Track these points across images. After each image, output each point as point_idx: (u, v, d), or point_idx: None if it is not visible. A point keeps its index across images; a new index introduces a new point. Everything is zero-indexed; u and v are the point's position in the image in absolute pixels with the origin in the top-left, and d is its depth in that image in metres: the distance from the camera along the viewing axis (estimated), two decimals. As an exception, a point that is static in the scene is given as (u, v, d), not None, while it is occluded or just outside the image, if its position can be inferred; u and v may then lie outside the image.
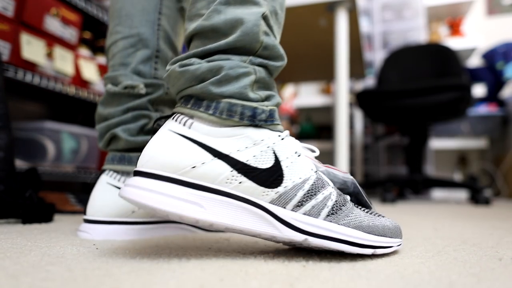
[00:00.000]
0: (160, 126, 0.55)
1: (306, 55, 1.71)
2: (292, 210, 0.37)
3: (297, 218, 0.36)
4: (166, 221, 0.55)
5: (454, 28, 2.42)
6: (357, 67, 1.84)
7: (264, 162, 0.37)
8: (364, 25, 2.34)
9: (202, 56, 0.39)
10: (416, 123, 1.69)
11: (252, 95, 0.38)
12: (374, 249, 0.37)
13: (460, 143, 2.24)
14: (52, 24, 1.16)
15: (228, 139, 0.37)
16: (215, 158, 0.36)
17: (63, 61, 1.18)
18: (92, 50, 1.41)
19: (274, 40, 0.41)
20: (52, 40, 1.16)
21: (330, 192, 0.38)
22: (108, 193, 0.51)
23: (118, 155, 0.54)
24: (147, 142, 0.54)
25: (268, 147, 0.37)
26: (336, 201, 0.38)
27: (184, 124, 0.37)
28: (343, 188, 0.42)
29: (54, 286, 0.26)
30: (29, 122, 1.20)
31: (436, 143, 2.27)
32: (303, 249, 0.43)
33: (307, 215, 0.37)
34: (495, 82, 2.23)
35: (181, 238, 0.51)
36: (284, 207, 0.37)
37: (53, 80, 1.15)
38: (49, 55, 1.14)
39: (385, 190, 1.50)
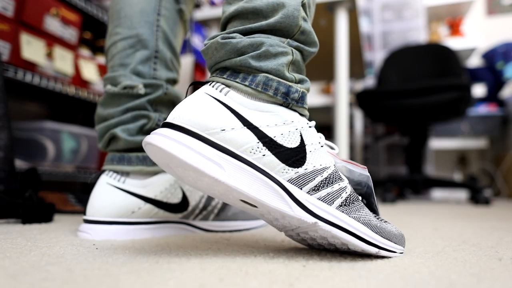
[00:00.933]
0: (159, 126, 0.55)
1: (306, 55, 1.71)
2: (308, 192, 0.37)
3: (311, 201, 0.37)
4: (166, 221, 0.55)
5: (454, 28, 2.42)
6: (357, 67, 1.84)
7: (290, 142, 0.38)
8: (364, 25, 2.34)
9: (244, 33, 0.40)
10: (416, 123, 1.69)
11: (287, 74, 0.40)
12: (379, 250, 0.37)
13: (460, 143, 2.24)
14: (52, 24, 1.16)
15: (260, 113, 0.38)
16: (245, 127, 0.37)
17: (63, 61, 1.19)
18: (92, 50, 1.41)
19: (310, 27, 0.43)
20: (52, 40, 1.16)
21: (346, 186, 0.39)
22: (108, 194, 0.51)
23: (117, 155, 0.54)
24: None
25: (296, 129, 0.39)
26: (350, 194, 0.39)
27: (220, 91, 0.38)
28: (356, 188, 0.42)
29: (54, 286, 0.26)
30: (29, 122, 1.20)
31: (436, 143, 2.27)
32: (303, 249, 0.43)
33: (321, 200, 0.37)
34: (495, 82, 2.23)
35: (181, 238, 0.51)
36: (301, 188, 0.37)
37: (53, 80, 1.15)
38: (49, 55, 1.14)
39: (385, 190, 1.50)
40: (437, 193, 2.24)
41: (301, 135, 0.39)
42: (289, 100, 0.39)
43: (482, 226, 0.69)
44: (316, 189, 0.37)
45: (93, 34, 1.50)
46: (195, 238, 0.51)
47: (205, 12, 1.38)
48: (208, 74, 1.38)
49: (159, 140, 0.35)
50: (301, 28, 0.41)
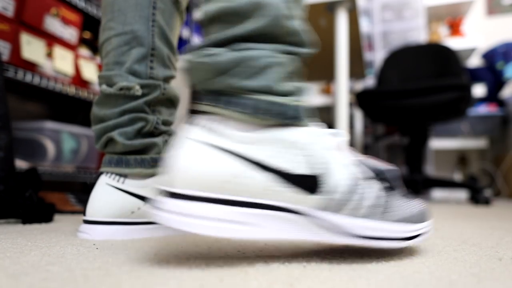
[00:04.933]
0: (158, 129, 0.56)
1: (306, 55, 1.71)
2: (347, 215, 0.34)
3: (353, 223, 0.34)
4: None
5: (454, 28, 2.42)
6: (357, 67, 1.84)
7: (303, 167, 0.34)
8: (364, 25, 2.34)
9: (224, 43, 0.35)
10: (416, 123, 1.69)
11: (279, 88, 0.35)
12: (413, 239, 0.37)
13: (460, 143, 2.24)
14: (52, 24, 1.16)
15: (258, 145, 0.33)
16: (249, 169, 0.32)
17: (63, 61, 1.19)
18: (92, 50, 1.41)
19: (300, 25, 0.37)
20: (52, 40, 1.16)
21: (377, 190, 0.36)
22: (107, 194, 0.51)
23: (115, 157, 0.54)
24: (144, 145, 0.54)
25: (301, 149, 0.34)
26: (379, 197, 0.36)
27: (210, 130, 0.33)
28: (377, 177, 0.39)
29: (54, 286, 0.26)
30: (29, 122, 1.20)
31: (436, 143, 2.27)
32: (303, 249, 0.43)
33: (363, 218, 0.35)
34: (495, 82, 2.23)
35: (181, 238, 0.51)
36: (338, 213, 0.34)
37: (53, 80, 1.15)
38: (49, 55, 1.14)
39: (385, 190, 1.50)
40: (437, 193, 2.24)
41: (311, 155, 0.34)
42: (287, 121, 0.34)
43: (482, 226, 0.69)
44: (353, 207, 0.34)
45: (93, 34, 1.50)
46: (195, 238, 0.51)
47: (205, 12, 1.38)
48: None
49: (172, 221, 0.31)
50: (288, 29, 0.35)
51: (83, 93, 1.27)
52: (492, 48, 2.25)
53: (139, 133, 0.54)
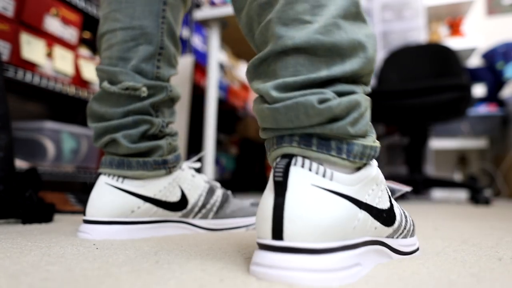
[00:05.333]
0: (162, 132, 0.54)
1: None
2: (396, 238, 0.39)
3: (399, 243, 0.39)
4: (165, 220, 0.55)
5: (454, 28, 2.42)
6: (357, 67, 1.83)
7: (384, 201, 0.35)
8: (364, 25, 2.34)
9: (323, 83, 0.31)
10: (416, 123, 1.69)
11: (371, 131, 0.34)
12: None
13: (460, 143, 2.24)
14: (52, 24, 1.16)
15: (360, 185, 0.32)
16: (361, 210, 0.31)
17: (63, 61, 1.19)
18: (92, 50, 1.41)
19: None
20: (52, 40, 1.16)
21: (401, 210, 0.40)
22: (107, 194, 0.50)
23: (116, 159, 0.52)
24: (149, 148, 0.52)
25: (384, 184, 0.35)
26: (403, 217, 0.40)
27: (324, 175, 0.30)
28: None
29: (54, 286, 0.26)
30: (29, 122, 1.20)
31: (436, 143, 2.27)
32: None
33: (403, 237, 0.39)
34: (495, 82, 2.23)
35: (181, 238, 0.51)
36: (393, 237, 0.38)
37: (53, 80, 1.15)
38: (49, 55, 1.14)
39: (385, 190, 1.50)
40: (437, 193, 2.24)
41: (386, 189, 0.36)
42: (370, 161, 0.34)
43: (482, 226, 0.69)
44: (398, 230, 0.38)
45: (93, 34, 1.50)
46: (195, 238, 0.51)
47: (205, 12, 1.38)
48: (210, 73, 1.38)
49: (302, 278, 0.27)
50: (372, 70, 0.34)
51: (83, 93, 1.27)
52: (492, 48, 2.25)
53: (144, 136, 0.53)
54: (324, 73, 0.31)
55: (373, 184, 0.33)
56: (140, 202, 0.51)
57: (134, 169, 0.52)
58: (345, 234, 0.29)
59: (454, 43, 2.28)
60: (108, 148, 0.53)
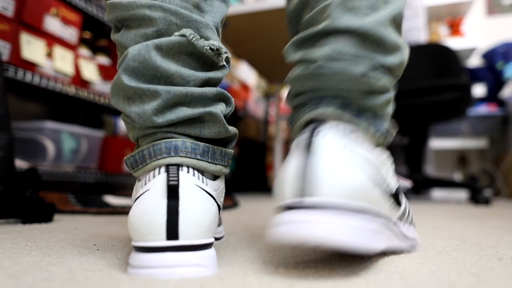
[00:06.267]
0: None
1: (306, 55, 1.71)
2: (404, 223, 0.40)
3: (406, 229, 0.40)
4: None
5: (454, 28, 2.42)
6: (357, 67, 1.83)
7: (393, 180, 0.37)
8: (364, 25, 2.34)
9: (375, 67, 0.36)
10: (416, 123, 1.69)
11: (389, 120, 0.39)
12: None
13: (460, 143, 2.24)
14: (52, 24, 1.16)
15: (381, 159, 0.35)
16: (380, 181, 0.33)
17: (63, 61, 1.19)
18: (92, 50, 1.41)
19: None
20: (52, 40, 1.16)
21: (405, 199, 0.41)
22: (203, 202, 0.32)
23: (201, 145, 0.37)
24: (232, 135, 0.41)
25: (389, 166, 0.37)
26: (407, 205, 0.41)
27: (355, 140, 0.32)
28: None
29: (54, 286, 0.26)
30: (29, 122, 1.20)
31: (436, 143, 2.27)
32: (304, 249, 0.43)
33: (408, 224, 0.41)
34: (495, 82, 2.23)
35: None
36: (401, 221, 0.39)
37: (53, 80, 1.15)
38: (49, 55, 1.14)
39: (385, 190, 1.50)
40: (437, 193, 2.24)
41: (391, 172, 0.38)
42: (388, 143, 0.38)
43: (482, 226, 0.69)
44: (406, 217, 0.40)
45: (93, 34, 1.50)
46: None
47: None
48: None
49: (319, 231, 0.27)
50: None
51: (83, 93, 1.27)
52: (492, 48, 2.25)
53: (226, 118, 0.40)
54: (371, 56, 0.36)
55: (387, 163, 0.36)
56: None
57: (218, 161, 0.39)
58: (370, 200, 0.30)
59: (454, 43, 2.28)
60: (184, 127, 0.37)
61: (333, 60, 0.35)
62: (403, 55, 0.38)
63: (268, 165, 2.63)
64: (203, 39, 0.37)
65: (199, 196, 0.32)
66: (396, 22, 0.38)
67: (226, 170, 0.40)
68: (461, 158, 2.45)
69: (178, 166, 0.34)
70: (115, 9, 0.37)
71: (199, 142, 0.37)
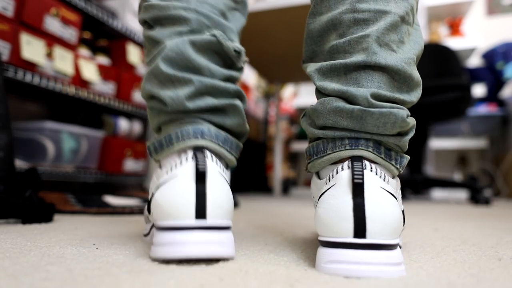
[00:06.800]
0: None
1: (306, 55, 1.71)
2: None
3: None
4: None
5: (454, 28, 2.42)
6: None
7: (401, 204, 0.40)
8: (364, 25, 2.34)
9: (390, 101, 0.36)
10: (416, 123, 1.69)
11: None
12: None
13: (460, 143, 2.24)
14: (52, 24, 1.16)
15: (397, 189, 0.37)
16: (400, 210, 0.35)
17: (63, 61, 1.19)
18: (92, 50, 1.41)
19: None
20: (52, 40, 1.16)
21: None
22: (227, 187, 0.37)
23: (223, 133, 0.40)
24: (245, 131, 0.44)
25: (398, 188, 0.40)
26: None
27: (384, 179, 0.34)
28: None
29: (54, 286, 0.26)
30: (29, 122, 1.20)
31: (436, 143, 2.27)
32: (304, 249, 0.43)
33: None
34: (495, 82, 2.23)
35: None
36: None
37: (53, 80, 1.15)
38: (49, 55, 1.14)
39: (385, 190, 1.50)
40: (437, 193, 2.24)
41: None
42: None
43: (482, 226, 0.69)
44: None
45: (93, 34, 1.50)
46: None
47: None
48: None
49: (382, 271, 0.30)
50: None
51: (83, 93, 1.27)
52: (492, 48, 2.25)
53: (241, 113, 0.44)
54: (402, 96, 0.36)
55: (398, 188, 0.38)
56: None
57: (233, 152, 0.41)
58: (399, 232, 0.33)
59: (454, 43, 2.28)
60: (210, 115, 0.40)
61: (380, 101, 0.35)
62: (420, 91, 0.39)
63: (268, 165, 2.63)
64: (230, 41, 0.42)
65: (222, 182, 0.36)
66: (418, 58, 0.40)
67: (235, 163, 0.42)
68: (461, 158, 2.45)
69: (204, 152, 0.37)
70: (152, 9, 0.41)
71: (221, 131, 0.40)
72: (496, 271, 0.33)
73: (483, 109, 2.20)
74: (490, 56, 2.26)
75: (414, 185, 1.61)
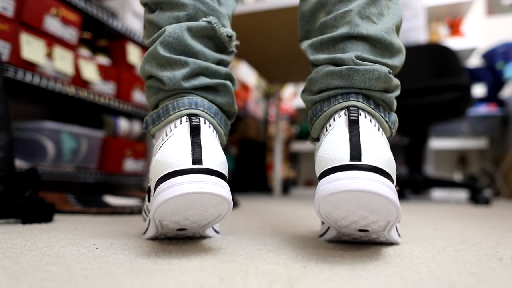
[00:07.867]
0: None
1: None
2: None
3: None
4: None
5: (454, 28, 2.42)
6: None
7: None
8: (364, 25, 2.34)
9: (378, 63, 0.42)
10: (416, 123, 1.69)
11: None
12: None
13: (460, 143, 2.24)
14: (52, 24, 1.16)
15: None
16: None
17: (63, 61, 1.19)
18: (92, 50, 1.41)
19: None
20: (52, 40, 1.16)
21: None
22: (218, 144, 0.42)
23: (214, 107, 0.45)
24: (236, 112, 0.49)
25: None
26: None
27: (378, 130, 0.40)
28: None
29: (54, 286, 0.26)
30: (29, 122, 1.20)
31: (436, 143, 2.27)
32: (304, 249, 0.43)
33: None
34: (495, 82, 2.23)
35: (180, 239, 0.51)
36: None
37: (53, 80, 1.15)
38: (49, 55, 1.14)
39: (385, 190, 1.50)
40: (437, 193, 2.23)
41: None
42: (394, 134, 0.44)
43: (482, 226, 0.69)
44: None
45: (93, 34, 1.50)
46: (195, 238, 0.51)
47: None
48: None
49: (367, 184, 0.34)
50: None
51: (83, 93, 1.27)
52: (492, 48, 2.25)
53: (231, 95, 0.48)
54: (385, 60, 0.42)
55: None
56: None
57: (222, 126, 0.46)
58: (393, 170, 0.37)
59: (454, 43, 2.28)
60: (203, 92, 0.45)
61: (364, 60, 0.41)
62: (403, 57, 0.45)
63: (268, 165, 2.63)
64: (223, 27, 0.46)
65: (216, 141, 0.41)
66: (398, 27, 0.45)
67: (225, 139, 0.47)
68: (461, 158, 2.45)
69: (198, 116, 0.41)
70: None
71: (213, 104, 0.45)
72: (497, 271, 0.33)
73: (483, 109, 2.20)
74: (490, 56, 2.26)
75: (414, 185, 1.61)
